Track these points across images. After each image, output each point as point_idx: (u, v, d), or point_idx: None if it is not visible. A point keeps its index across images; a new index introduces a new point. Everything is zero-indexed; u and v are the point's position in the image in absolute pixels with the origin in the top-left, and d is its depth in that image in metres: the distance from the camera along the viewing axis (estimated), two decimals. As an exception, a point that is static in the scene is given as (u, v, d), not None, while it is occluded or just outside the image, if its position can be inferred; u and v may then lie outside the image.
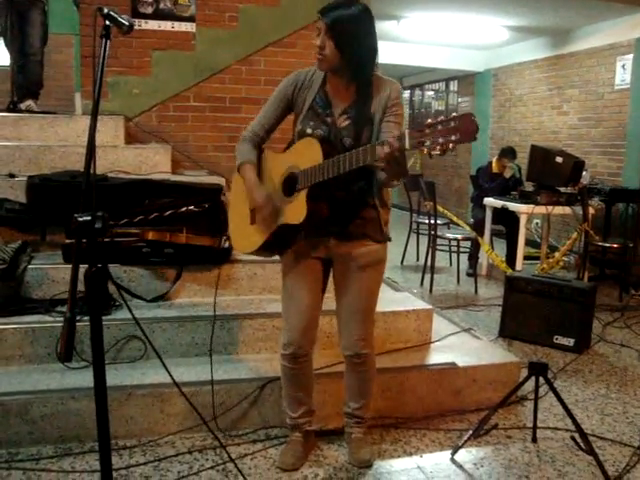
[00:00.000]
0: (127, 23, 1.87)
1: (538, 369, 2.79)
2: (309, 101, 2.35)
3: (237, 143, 2.49)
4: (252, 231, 2.43)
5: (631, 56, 7.00)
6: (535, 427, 2.92)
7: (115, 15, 1.82)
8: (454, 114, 1.87)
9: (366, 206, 2.37)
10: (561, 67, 8.22)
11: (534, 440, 2.91)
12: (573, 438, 2.79)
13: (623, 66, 7.14)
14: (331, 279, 2.55)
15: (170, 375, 2.28)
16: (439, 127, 1.86)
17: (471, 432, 2.85)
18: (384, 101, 2.30)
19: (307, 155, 2.23)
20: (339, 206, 2.32)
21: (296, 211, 2.24)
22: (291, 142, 2.46)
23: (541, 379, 2.80)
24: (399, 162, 2.02)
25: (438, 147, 1.86)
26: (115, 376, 2.83)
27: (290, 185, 2.31)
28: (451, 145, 1.85)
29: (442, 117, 1.88)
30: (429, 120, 1.91)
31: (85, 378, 2.77)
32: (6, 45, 5.01)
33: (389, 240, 2.50)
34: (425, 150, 1.89)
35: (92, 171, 1.70)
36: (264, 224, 2.36)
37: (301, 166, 2.25)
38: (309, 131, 2.32)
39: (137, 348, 3.05)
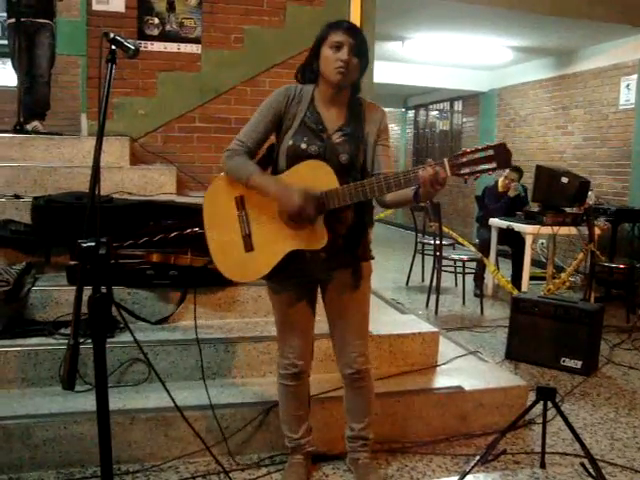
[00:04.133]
0: (133, 47, 1.88)
1: (546, 394, 2.75)
2: (300, 116, 2.32)
3: (226, 158, 2.34)
4: (250, 259, 2.34)
5: (635, 76, 7.02)
6: (543, 452, 2.87)
7: (121, 40, 1.83)
8: (488, 144, 2.06)
9: (362, 229, 2.38)
10: (565, 87, 8.24)
11: (542, 466, 2.86)
12: (583, 464, 2.75)
13: (627, 86, 7.15)
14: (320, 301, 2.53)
15: (172, 400, 2.26)
16: (477, 155, 2.02)
17: (479, 458, 2.81)
18: (377, 125, 2.37)
19: (316, 178, 2.20)
20: (348, 229, 2.31)
21: (316, 236, 2.22)
22: (266, 156, 2.41)
23: (549, 403, 2.77)
24: (441, 185, 2.07)
25: (477, 174, 2.04)
26: (118, 400, 2.80)
27: None
28: (489, 173, 2.05)
29: (477, 146, 2.05)
30: (465, 149, 2.05)
31: (88, 401, 2.74)
32: (14, 66, 5.04)
33: (372, 258, 2.47)
34: (465, 177, 2.06)
35: (97, 195, 1.70)
36: (306, 224, 2.22)
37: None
38: (303, 146, 2.27)
39: (141, 371, 3.02)
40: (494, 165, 2.02)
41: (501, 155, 2.02)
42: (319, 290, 2.52)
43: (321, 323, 2.56)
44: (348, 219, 2.30)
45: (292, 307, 2.45)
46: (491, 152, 2.02)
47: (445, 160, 2.06)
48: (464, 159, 2.03)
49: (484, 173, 2.04)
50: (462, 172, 2.04)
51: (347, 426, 2.63)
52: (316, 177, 2.21)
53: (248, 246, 2.34)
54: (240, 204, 2.35)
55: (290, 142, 2.30)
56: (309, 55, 2.34)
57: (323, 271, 2.39)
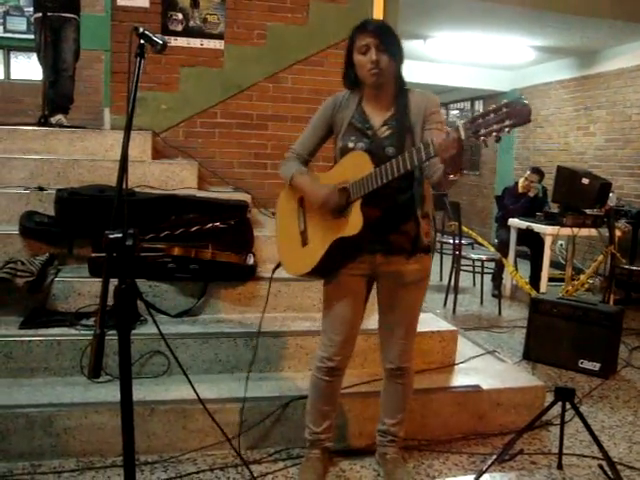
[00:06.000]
0: (161, 42, 1.90)
1: (565, 395, 2.74)
2: (347, 119, 2.41)
3: (280, 166, 2.56)
4: (305, 253, 2.43)
5: (660, 78, 6.95)
6: (561, 453, 2.86)
7: (150, 34, 1.85)
8: (505, 101, 1.90)
9: (409, 220, 2.37)
10: (588, 88, 8.17)
11: (560, 467, 2.85)
12: (601, 466, 2.74)
13: (651, 87, 7.08)
14: (373, 295, 2.55)
15: (195, 391, 2.28)
16: (492, 116, 1.90)
17: (495, 457, 2.81)
18: (422, 112, 2.36)
19: (356, 168, 2.26)
20: (388, 216, 2.33)
21: (352, 222, 2.25)
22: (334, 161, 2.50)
23: (567, 404, 2.76)
24: (458, 152, 2.02)
25: (494, 134, 1.90)
26: (138, 391, 2.80)
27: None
28: (507, 130, 1.89)
29: (493, 106, 1.91)
30: (480, 110, 1.93)
31: (109, 392, 2.78)
32: (39, 60, 5.10)
33: (429, 251, 2.46)
34: (482, 139, 1.93)
35: (124, 187, 1.72)
36: (332, 220, 2.32)
37: (351, 180, 2.27)
38: (351, 145, 2.36)
39: (161, 363, 3.05)
40: (513, 121, 1.87)
41: (518, 110, 1.86)
42: (374, 288, 2.54)
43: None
44: (389, 204, 2.31)
45: (338, 300, 2.47)
46: (507, 109, 1.87)
47: (460, 123, 1.98)
48: (480, 120, 1.93)
49: (503, 131, 1.89)
50: (479, 133, 1.93)
51: (380, 419, 2.67)
52: (355, 167, 2.28)
53: (304, 241, 2.45)
54: (300, 203, 2.49)
55: (340, 144, 2.42)
56: (345, 63, 2.40)
57: (371, 264, 2.41)
